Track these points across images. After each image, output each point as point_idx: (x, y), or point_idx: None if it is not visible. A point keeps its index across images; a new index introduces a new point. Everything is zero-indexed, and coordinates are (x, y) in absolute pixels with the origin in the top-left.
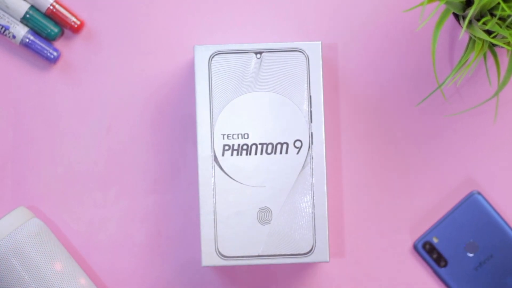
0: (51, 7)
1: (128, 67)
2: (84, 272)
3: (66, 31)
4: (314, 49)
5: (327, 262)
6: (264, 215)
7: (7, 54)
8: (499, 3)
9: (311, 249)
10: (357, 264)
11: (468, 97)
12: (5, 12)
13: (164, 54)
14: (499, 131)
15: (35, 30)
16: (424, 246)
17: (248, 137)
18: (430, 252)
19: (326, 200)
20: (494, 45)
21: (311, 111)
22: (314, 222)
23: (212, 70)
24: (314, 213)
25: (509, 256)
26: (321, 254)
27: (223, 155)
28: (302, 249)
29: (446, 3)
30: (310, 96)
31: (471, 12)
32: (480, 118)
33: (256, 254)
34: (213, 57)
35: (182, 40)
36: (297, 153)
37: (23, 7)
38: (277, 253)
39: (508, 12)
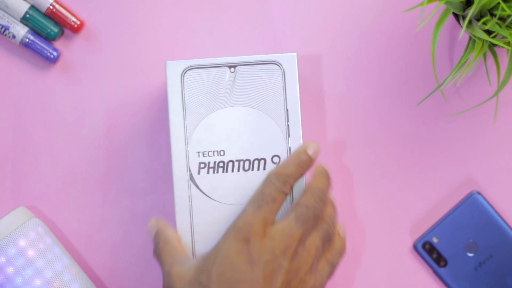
0: (51, 7)
1: (128, 66)
2: (84, 272)
3: (66, 31)
4: (289, 61)
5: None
6: None
7: (7, 54)
8: (499, 3)
9: None
10: (357, 264)
11: (468, 97)
12: (5, 12)
13: (164, 54)
14: (499, 131)
15: (35, 30)
16: (424, 246)
17: (224, 154)
18: (430, 252)
19: None
20: (494, 45)
21: (288, 125)
22: None
23: (185, 85)
24: None
25: (509, 256)
26: None
27: (199, 173)
28: None
29: (446, 3)
30: (287, 110)
31: (471, 12)
32: (480, 118)
33: None
34: (185, 72)
35: (182, 40)
36: None
37: (23, 7)
38: None
39: (508, 12)
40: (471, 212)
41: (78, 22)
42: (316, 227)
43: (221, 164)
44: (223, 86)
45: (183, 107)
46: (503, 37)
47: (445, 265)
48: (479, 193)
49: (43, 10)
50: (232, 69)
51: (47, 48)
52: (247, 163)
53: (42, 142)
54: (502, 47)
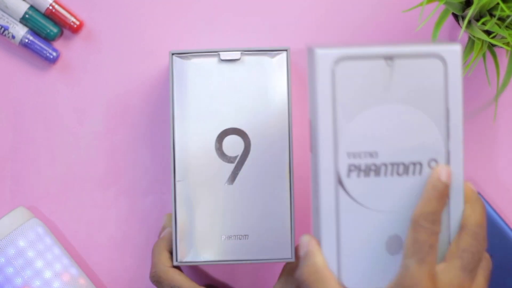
0: (50, 7)
1: (128, 67)
2: (83, 272)
3: (66, 31)
4: (453, 55)
5: None
6: (394, 244)
7: (6, 54)
8: (498, 4)
9: None
10: None
11: (467, 97)
12: (4, 12)
13: (164, 54)
14: (499, 131)
15: (35, 30)
16: None
17: (377, 156)
18: None
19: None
20: (493, 45)
21: (449, 127)
22: None
23: (335, 78)
24: (449, 241)
25: (509, 256)
26: None
27: (348, 176)
28: None
29: (446, 3)
30: (448, 110)
31: (470, 12)
32: (479, 118)
33: (384, 286)
34: (337, 63)
35: (182, 39)
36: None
37: (22, 7)
38: None
39: (507, 12)
40: None
41: (78, 23)
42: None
43: (373, 167)
44: (378, 80)
45: (333, 102)
46: (503, 37)
47: None
48: (478, 193)
49: (43, 10)
50: (389, 62)
51: (46, 48)
52: (401, 167)
53: (41, 142)
54: (501, 47)
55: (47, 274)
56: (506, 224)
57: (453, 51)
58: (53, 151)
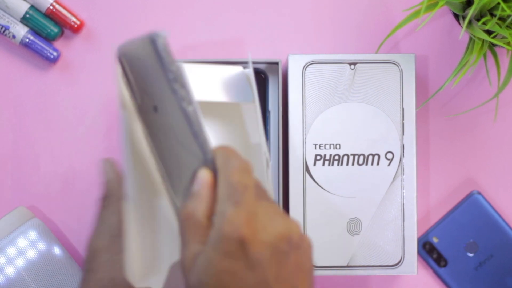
0: (51, 7)
1: None
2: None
3: (66, 31)
4: (407, 61)
5: (415, 274)
6: (354, 226)
7: (7, 54)
8: (499, 3)
9: (400, 261)
10: None
11: (468, 97)
12: (5, 12)
13: None
14: (499, 131)
15: (35, 30)
16: (424, 246)
17: (340, 148)
18: (430, 252)
19: (415, 212)
20: (494, 45)
21: (403, 123)
22: (403, 234)
23: (305, 79)
24: (403, 225)
25: (509, 256)
26: (409, 266)
27: (314, 165)
28: (390, 261)
29: (446, 3)
30: (403, 109)
31: (471, 12)
32: (480, 118)
33: (344, 264)
34: (307, 67)
35: (183, 40)
36: (388, 165)
37: (23, 7)
38: (365, 264)
39: (508, 12)
40: (471, 212)
41: (78, 22)
42: None
43: (336, 157)
44: (342, 82)
45: (303, 100)
46: (503, 37)
47: (445, 265)
48: (479, 193)
49: (43, 10)
50: (352, 66)
51: (47, 48)
52: (361, 158)
53: (42, 142)
54: (502, 47)
55: (47, 273)
56: (506, 224)
57: (408, 58)
58: (53, 150)
